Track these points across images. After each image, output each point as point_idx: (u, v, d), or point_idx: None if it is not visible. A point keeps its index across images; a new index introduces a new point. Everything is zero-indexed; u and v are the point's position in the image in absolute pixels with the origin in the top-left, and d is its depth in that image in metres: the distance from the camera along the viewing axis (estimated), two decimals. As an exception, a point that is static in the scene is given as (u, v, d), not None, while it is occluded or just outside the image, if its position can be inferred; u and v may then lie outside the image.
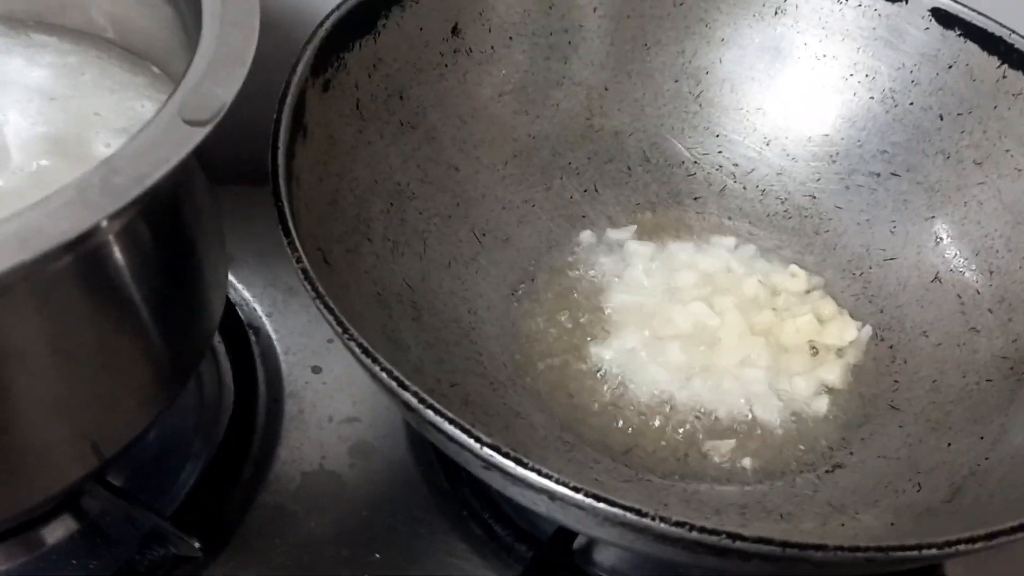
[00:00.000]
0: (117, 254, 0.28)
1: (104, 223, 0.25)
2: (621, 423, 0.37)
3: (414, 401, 0.25)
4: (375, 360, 0.26)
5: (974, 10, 0.42)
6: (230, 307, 0.43)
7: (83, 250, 0.26)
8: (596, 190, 0.46)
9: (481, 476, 0.26)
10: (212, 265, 0.34)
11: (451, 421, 0.25)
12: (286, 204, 0.30)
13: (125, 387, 0.32)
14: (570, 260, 0.43)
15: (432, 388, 0.35)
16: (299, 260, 0.28)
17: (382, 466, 0.39)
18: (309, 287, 0.28)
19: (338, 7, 0.37)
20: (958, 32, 0.42)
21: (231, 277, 0.44)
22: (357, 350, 0.26)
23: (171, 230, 0.30)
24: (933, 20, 0.43)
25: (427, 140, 0.42)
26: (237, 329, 0.43)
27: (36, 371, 0.28)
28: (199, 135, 0.26)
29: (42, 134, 0.34)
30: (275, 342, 0.44)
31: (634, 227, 0.45)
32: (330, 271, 0.33)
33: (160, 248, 0.30)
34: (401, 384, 0.26)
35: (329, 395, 0.42)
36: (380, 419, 0.41)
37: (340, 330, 0.27)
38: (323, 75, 0.36)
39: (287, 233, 0.29)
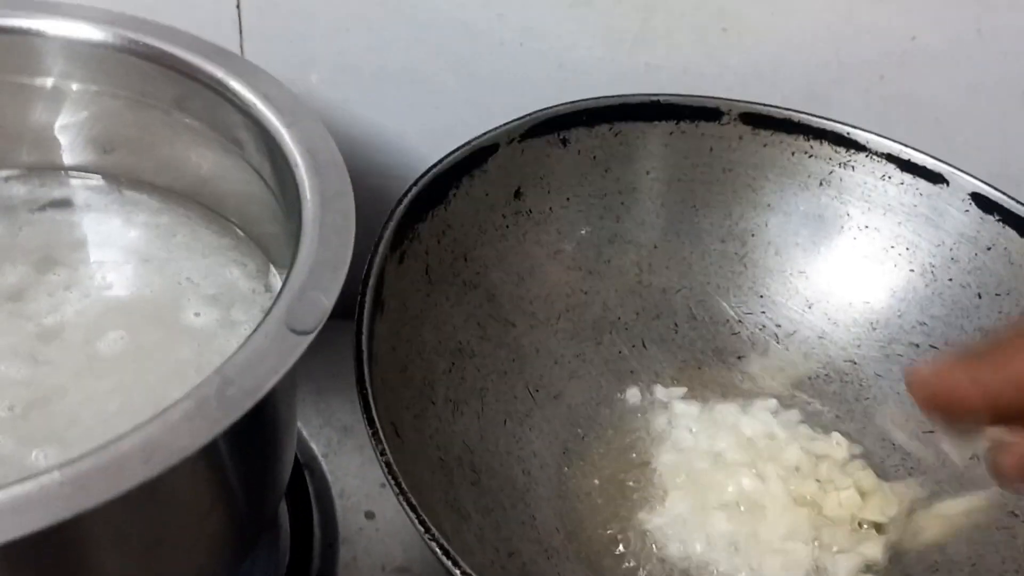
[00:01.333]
0: (220, 448, 0.29)
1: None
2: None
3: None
4: (456, 563, 0.28)
5: (1013, 198, 0.44)
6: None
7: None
8: (644, 346, 0.48)
9: None
10: (289, 436, 0.36)
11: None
12: (371, 394, 0.32)
13: (207, 556, 0.33)
14: (619, 418, 0.45)
15: (492, 559, 0.36)
16: (383, 452, 0.30)
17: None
18: (393, 483, 0.29)
19: (416, 183, 0.40)
20: (996, 217, 0.44)
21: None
22: (439, 552, 0.28)
23: (263, 419, 0.32)
24: (973, 204, 0.45)
25: (487, 298, 0.44)
26: (295, 472, 0.44)
27: (127, 551, 0.30)
28: (304, 343, 0.28)
29: (136, 298, 0.37)
30: (330, 484, 0.45)
31: (684, 389, 0.46)
32: (401, 444, 0.35)
33: (253, 435, 0.31)
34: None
35: (382, 541, 0.43)
36: (431, 568, 0.42)
37: (423, 530, 0.28)
38: (399, 248, 0.39)
39: (372, 423, 0.31)
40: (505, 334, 0.44)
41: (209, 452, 0.29)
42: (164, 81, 0.38)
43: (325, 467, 0.46)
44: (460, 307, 0.43)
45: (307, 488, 0.44)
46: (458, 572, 0.28)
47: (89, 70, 0.39)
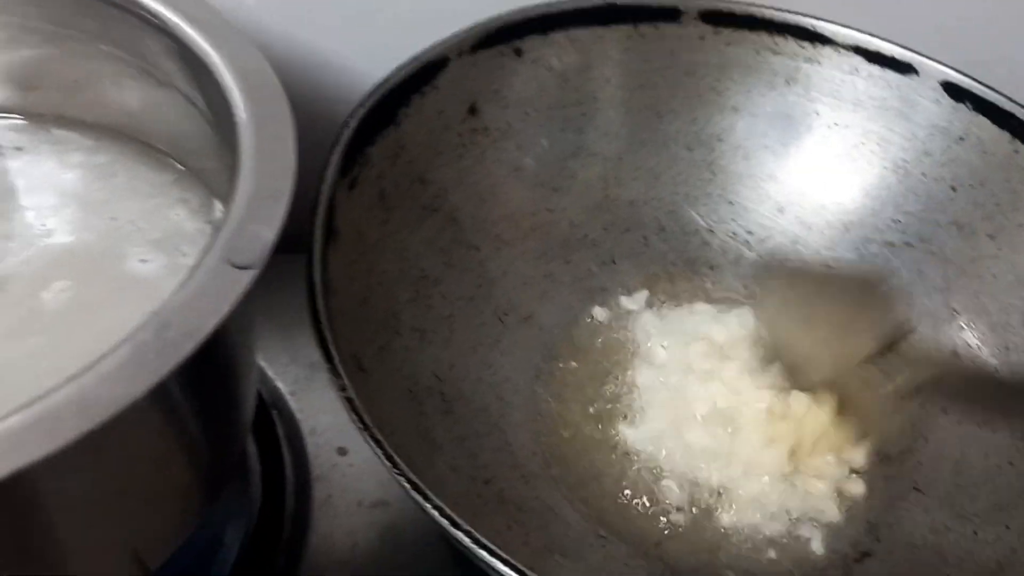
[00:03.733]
0: (169, 393, 0.28)
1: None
2: (651, 512, 0.38)
3: (467, 541, 0.26)
4: (427, 498, 0.27)
5: (986, 85, 0.42)
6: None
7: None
8: (614, 262, 0.46)
9: None
10: (247, 376, 0.34)
11: (506, 562, 0.25)
12: (327, 327, 0.30)
13: (171, 501, 0.32)
14: (590, 336, 0.44)
15: (468, 488, 0.35)
16: (343, 388, 0.29)
17: (413, 552, 0.40)
18: (356, 419, 0.28)
19: (361, 104, 0.38)
20: (969, 106, 0.43)
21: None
22: (408, 487, 0.27)
23: (214, 361, 0.30)
24: (944, 93, 0.43)
25: (449, 222, 0.42)
26: (260, 411, 0.43)
27: (86, 508, 0.28)
28: (246, 279, 0.26)
29: (79, 244, 0.35)
30: (299, 423, 0.44)
31: (645, 292, 0.45)
32: (366, 378, 0.34)
33: (205, 378, 0.30)
34: (455, 524, 0.26)
35: (357, 477, 0.42)
36: (409, 502, 0.41)
37: (390, 465, 0.27)
38: (350, 174, 0.37)
39: (329, 359, 0.29)
40: (470, 258, 0.43)
41: (157, 398, 0.27)
42: (83, 9, 0.35)
43: (293, 405, 0.44)
44: (420, 233, 0.41)
45: (275, 428, 0.43)
46: (429, 506, 0.27)
47: (2, 2, 0.36)
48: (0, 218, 0.36)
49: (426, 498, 0.27)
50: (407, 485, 0.27)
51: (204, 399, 0.31)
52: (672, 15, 0.46)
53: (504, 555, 0.26)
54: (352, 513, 0.41)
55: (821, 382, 0.40)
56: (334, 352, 0.30)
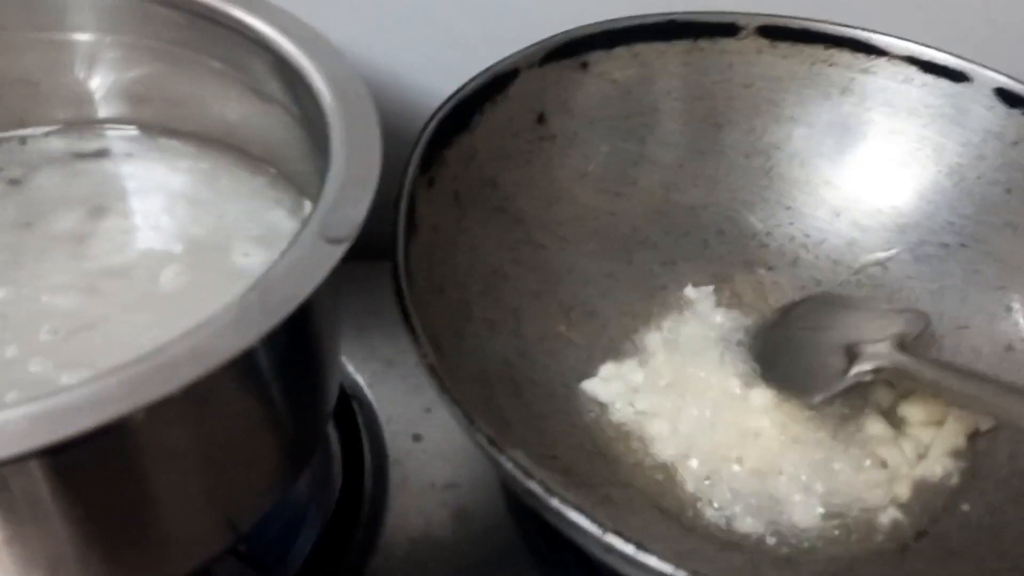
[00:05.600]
0: (262, 357, 0.31)
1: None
2: (709, 494, 0.39)
3: (540, 491, 0.28)
4: (502, 451, 0.29)
5: (1038, 90, 0.44)
6: (337, 382, 0.46)
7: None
8: (674, 262, 0.48)
9: (601, 558, 0.29)
10: (332, 356, 0.37)
11: (576, 508, 0.28)
12: (409, 303, 0.33)
13: (261, 471, 0.35)
14: (651, 331, 0.46)
15: (535, 462, 0.37)
16: (425, 355, 0.31)
17: (483, 531, 0.42)
18: (436, 382, 0.31)
19: (439, 110, 0.41)
20: (1022, 111, 0.44)
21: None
22: (486, 443, 0.29)
23: (305, 332, 0.33)
24: (998, 99, 0.45)
25: (516, 223, 0.45)
26: (342, 401, 0.46)
27: (188, 464, 0.31)
28: (339, 252, 0.30)
29: (188, 239, 0.38)
30: (377, 412, 0.47)
31: (711, 287, 0.47)
32: (442, 358, 0.36)
33: (295, 349, 0.33)
34: (527, 474, 0.28)
35: (430, 462, 0.45)
36: (479, 484, 0.44)
37: (468, 422, 0.30)
38: (428, 172, 0.40)
39: (412, 331, 0.32)
40: (536, 256, 0.45)
41: (253, 363, 0.31)
42: (189, 27, 0.39)
43: (371, 396, 0.47)
44: (490, 231, 0.44)
45: (355, 415, 0.46)
46: (503, 458, 0.29)
47: (115, 21, 0.40)
48: (120, 216, 0.40)
49: (500, 451, 0.29)
50: (484, 441, 0.29)
51: (296, 368, 0.34)
52: (730, 30, 0.48)
53: (574, 502, 0.28)
54: (425, 494, 0.43)
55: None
56: (416, 325, 0.32)
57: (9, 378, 0.33)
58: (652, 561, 0.26)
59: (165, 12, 0.40)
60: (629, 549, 0.26)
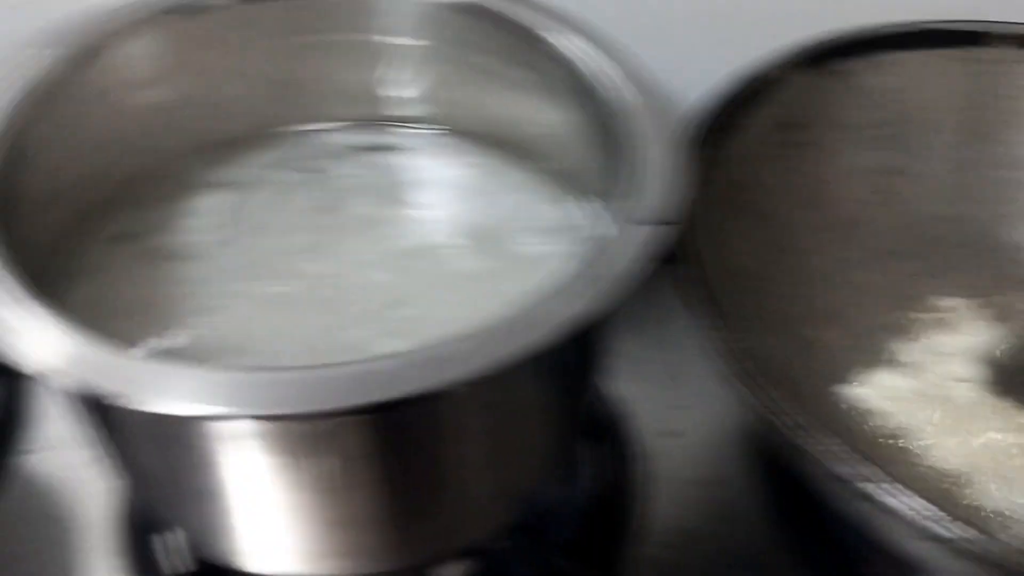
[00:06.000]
0: (560, 350, 0.32)
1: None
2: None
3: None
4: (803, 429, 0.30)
5: None
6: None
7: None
8: (932, 276, 0.48)
9: (911, 547, 0.29)
10: (611, 339, 0.39)
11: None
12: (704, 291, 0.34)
13: (539, 450, 0.37)
14: (907, 339, 0.45)
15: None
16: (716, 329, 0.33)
17: (745, 527, 0.42)
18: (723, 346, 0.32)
19: (702, 112, 0.43)
20: None
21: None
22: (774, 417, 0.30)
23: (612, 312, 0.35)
24: None
25: (777, 225, 0.46)
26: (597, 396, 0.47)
27: (488, 436, 0.33)
28: (662, 233, 0.31)
29: (478, 227, 0.41)
30: (629, 409, 0.48)
31: (975, 300, 0.46)
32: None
33: (603, 327, 0.35)
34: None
35: (685, 457, 0.45)
36: (734, 479, 0.44)
37: (769, 408, 0.31)
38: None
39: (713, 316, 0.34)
40: (794, 260, 0.46)
41: (555, 351, 0.32)
42: (490, 36, 0.42)
43: (626, 393, 0.48)
44: (752, 232, 0.45)
45: (611, 411, 0.47)
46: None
47: (418, 27, 0.43)
48: (411, 204, 0.43)
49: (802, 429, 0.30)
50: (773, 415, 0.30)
51: (590, 349, 0.35)
52: (991, 40, 0.47)
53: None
54: (685, 489, 0.44)
55: None
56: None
57: (332, 344, 0.36)
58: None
59: (463, 19, 0.42)
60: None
